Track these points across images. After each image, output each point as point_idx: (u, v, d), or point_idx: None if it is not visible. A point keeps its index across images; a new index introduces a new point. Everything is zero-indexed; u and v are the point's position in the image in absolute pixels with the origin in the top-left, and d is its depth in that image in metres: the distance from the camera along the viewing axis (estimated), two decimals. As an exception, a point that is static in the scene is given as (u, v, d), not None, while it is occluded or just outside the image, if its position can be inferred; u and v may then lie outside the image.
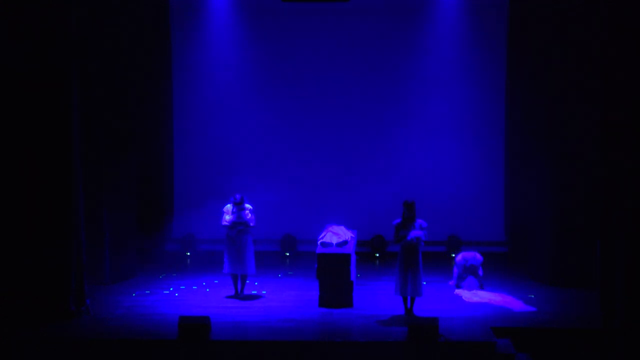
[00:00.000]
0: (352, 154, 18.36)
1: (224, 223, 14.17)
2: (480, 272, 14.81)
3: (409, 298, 13.24)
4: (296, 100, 18.33)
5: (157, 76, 17.44)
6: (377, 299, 14.21)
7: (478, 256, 14.84)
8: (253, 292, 14.74)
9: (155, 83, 17.33)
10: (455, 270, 14.92)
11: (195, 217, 17.78)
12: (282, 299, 14.31)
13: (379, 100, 18.26)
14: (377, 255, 17.99)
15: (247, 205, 14.18)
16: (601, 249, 13.10)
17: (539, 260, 15.67)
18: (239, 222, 14.11)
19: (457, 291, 14.67)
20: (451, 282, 15.02)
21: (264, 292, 14.81)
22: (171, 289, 15.08)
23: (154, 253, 17.03)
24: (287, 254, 18.03)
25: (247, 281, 14.67)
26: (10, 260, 12.87)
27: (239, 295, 14.37)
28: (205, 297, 14.53)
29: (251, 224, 14.14)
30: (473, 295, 14.39)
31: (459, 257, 14.96)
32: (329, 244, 13.99)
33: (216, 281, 15.45)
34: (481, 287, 14.72)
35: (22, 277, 12.87)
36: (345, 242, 14.08)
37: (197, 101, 18.38)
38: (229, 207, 14.22)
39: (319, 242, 14.09)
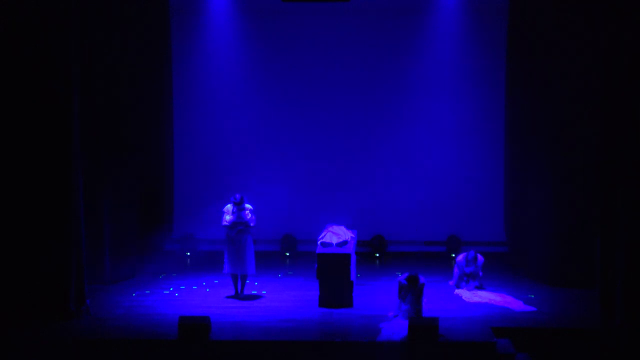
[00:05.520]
0: (352, 154, 18.34)
1: (224, 223, 14.16)
2: (480, 273, 14.81)
3: None
4: (296, 100, 18.32)
5: (157, 76, 17.41)
6: (377, 299, 14.21)
7: (479, 258, 14.82)
8: (253, 292, 14.74)
9: (155, 83, 17.30)
10: (456, 270, 14.90)
11: (195, 217, 17.77)
12: (282, 299, 14.31)
13: (378, 100, 18.25)
14: (377, 255, 17.99)
15: (247, 205, 14.17)
16: (601, 249, 13.11)
17: (539, 260, 15.66)
18: (239, 222, 14.10)
19: (457, 291, 14.66)
20: (451, 282, 15.01)
21: (264, 292, 14.82)
22: (171, 289, 15.08)
23: (154, 253, 17.01)
24: (287, 254, 18.02)
25: (247, 281, 14.67)
26: (10, 261, 12.86)
27: (239, 295, 14.37)
28: (205, 297, 14.53)
29: (251, 224, 14.14)
30: (473, 295, 14.39)
31: (460, 257, 14.95)
32: (329, 244, 13.98)
33: (216, 281, 15.45)
34: (481, 287, 14.72)
35: (22, 277, 12.87)
36: (345, 242, 14.07)
37: (197, 101, 18.37)
38: (229, 207, 14.21)
39: (319, 242, 14.08)
